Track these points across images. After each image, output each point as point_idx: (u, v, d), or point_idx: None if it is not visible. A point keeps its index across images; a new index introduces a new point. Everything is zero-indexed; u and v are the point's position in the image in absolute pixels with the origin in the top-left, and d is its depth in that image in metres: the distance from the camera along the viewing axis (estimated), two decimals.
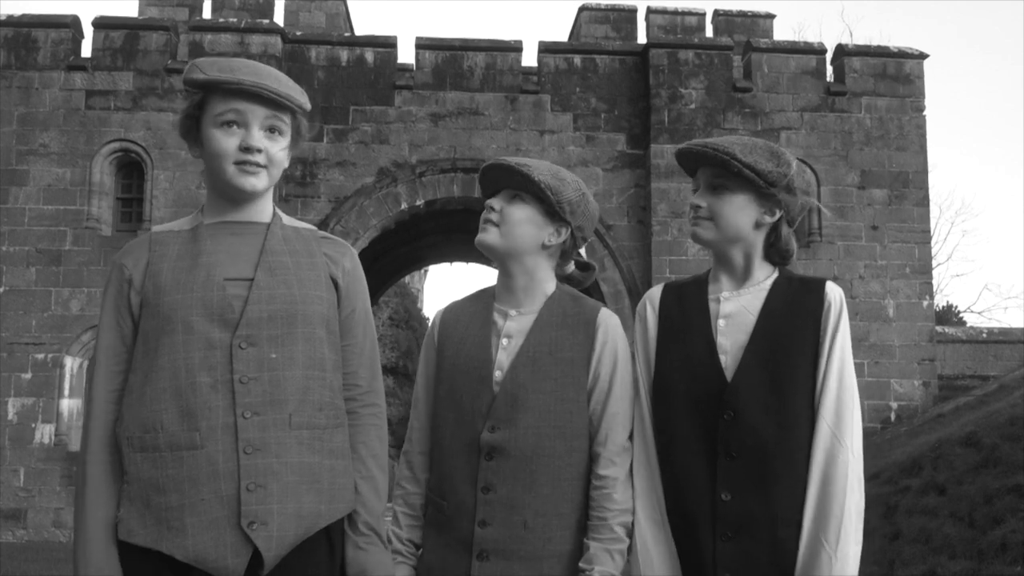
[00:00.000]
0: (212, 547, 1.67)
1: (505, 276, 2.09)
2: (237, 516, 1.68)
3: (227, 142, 1.78)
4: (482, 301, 2.13)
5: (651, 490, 1.95)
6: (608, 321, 2.04)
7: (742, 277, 2.00)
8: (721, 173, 1.94)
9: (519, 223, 2.03)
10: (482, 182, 2.12)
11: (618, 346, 2.03)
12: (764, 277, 2.00)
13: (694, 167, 2.03)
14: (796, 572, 1.81)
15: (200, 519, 1.67)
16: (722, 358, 1.92)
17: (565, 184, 2.03)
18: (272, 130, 1.82)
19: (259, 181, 1.82)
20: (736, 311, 1.96)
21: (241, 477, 1.69)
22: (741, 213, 1.95)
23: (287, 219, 1.95)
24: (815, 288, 1.95)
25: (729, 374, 1.90)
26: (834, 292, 1.94)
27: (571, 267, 2.16)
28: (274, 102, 1.80)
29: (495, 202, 2.05)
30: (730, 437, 1.87)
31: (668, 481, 1.94)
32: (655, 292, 2.09)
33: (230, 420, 1.71)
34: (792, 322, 1.91)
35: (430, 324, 2.17)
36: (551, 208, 2.03)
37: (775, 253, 2.00)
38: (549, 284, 2.09)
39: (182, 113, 1.84)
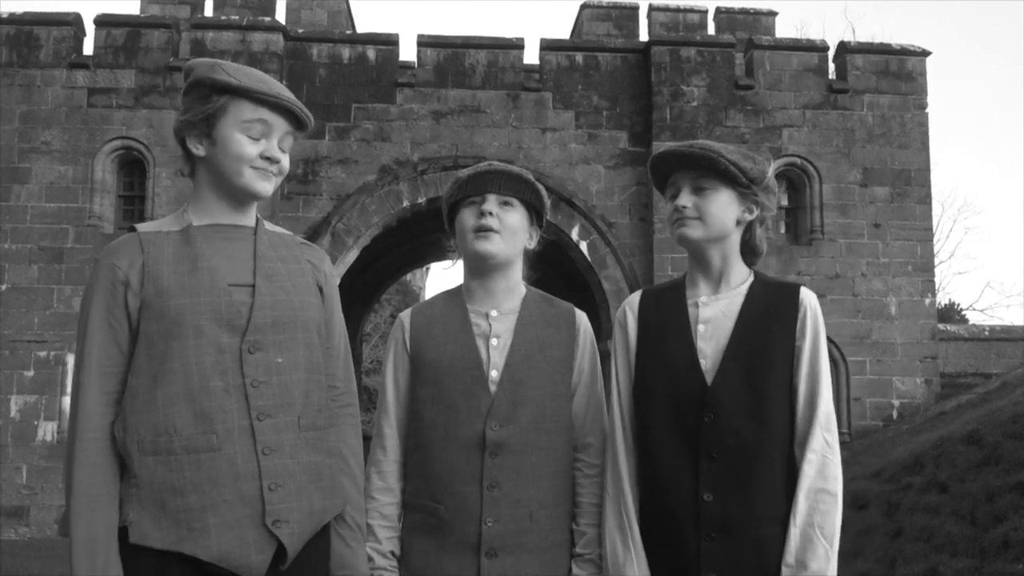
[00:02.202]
0: (236, 546, 1.70)
1: (485, 279, 2.13)
2: (261, 515, 1.73)
3: (251, 148, 1.84)
4: (452, 302, 2.17)
5: (620, 496, 1.99)
6: (584, 320, 2.18)
7: (718, 279, 2.05)
8: (704, 174, 2.00)
9: (517, 230, 2.11)
10: (464, 186, 2.13)
11: (593, 343, 2.17)
12: (740, 281, 2.05)
13: (668, 172, 2.08)
14: (788, 560, 1.84)
15: (223, 519, 1.70)
16: (702, 362, 1.97)
17: (543, 191, 2.18)
18: (284, 146, 1.91)
19: (271, 186, 1.90)
20: (715, 316, 2.01)
21: (262, 477, 1.74)
22: (726, 211, 2.01)
23: (268, 224, 2.00)
24: (790, 294, 2.00)
25: (709, 377, 1.95)
26: (809, 298, 2.00)
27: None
28: (294, 117, 1.89)
29: (491, 207, 2.08)
30: (711, 439, 1.91)
31: (649, 483, 1.99)
32: (634, 299, 2.15)
33: (245, 423, 1.75)
34: (769, 326, 1.97)
35: (395, 329, 2.17)
36: (536, 214, 2.16)
37: (748, 250, 2.08)
38: (522, 284, 2.19)
39: (198, 111, 1.84)
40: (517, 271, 2.16)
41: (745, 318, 1.98)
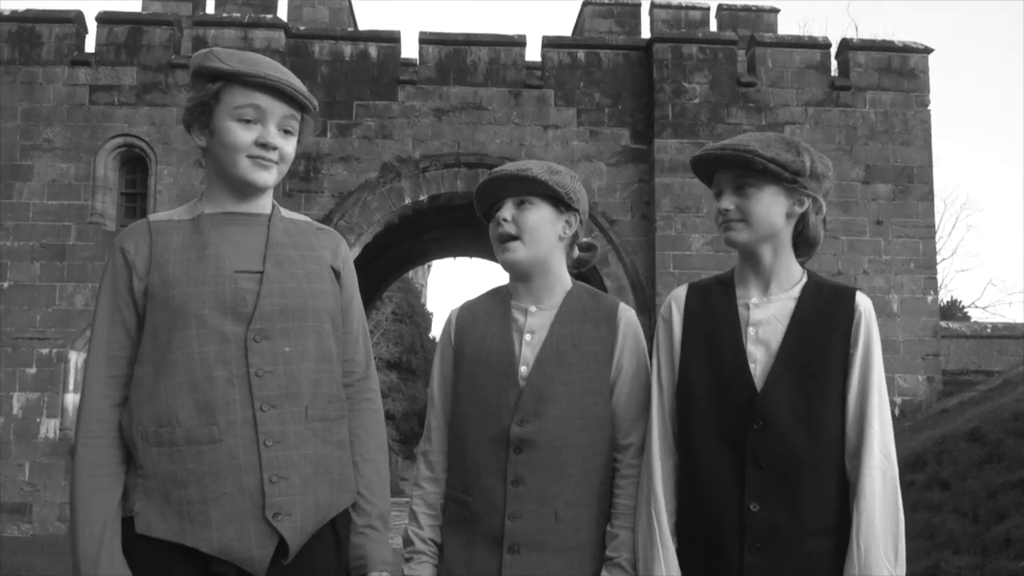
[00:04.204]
0: (237, 539, 1.68)
1: (524, 279, 2.10)
2: (261, 508, 1.70)
3: (244, 136, 1.80)
4: (498, 298, 2.15)
5: (652, 496, 1.93)
6: (627, 315, 2.10)
7: (769, 277, 1.96)
8: (744, 173, 1.91)
9: (537, 227, 2.05)
10: (480, 197, 2.12)
11: (638, 339, 2.09)
12: (793, 282, 1.96)
13: (711, 172, 1.99)
14: None
15: (223, 512, 1.68)
16: (752, 366, 1.89)
17: (563, 175, 2.09)
18: (286, 130, 1.85)
19: (271, 176, 1.85)
20: (766, 319, 1.92)
21: (263, 469, 1.71)
22: (772, 208, 1.91)
23: (285, 211, 1.97)
24: (846, 298, 1.92)
25: (759, 383, 1.87)
26: (864, 303, 1.91)
27: (575, 252, 2.17)
28: (293, 99, 1.83)
29: (506, 213, 2.05)
30: (759, 446, 1.83)
31: (691, 488, 1.92)
32: (680, 293, 2.05)
33: (248, 414, 1.72)
34: (823, 332, 1.88)
35: (445, 323, 2.18)
36: (560, 202, 2.08)
37: (803, 242, 1.98)
38: (566, 278, 2.13)
39: (194, 100, 1.82)
40: (556, 266, 2.10)
41: (798, 322, 1.89)
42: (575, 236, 2.13)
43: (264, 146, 1.81)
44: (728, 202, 1.93)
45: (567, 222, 2.10)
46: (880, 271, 12.19)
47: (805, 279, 1.97)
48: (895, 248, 12.25)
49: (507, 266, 2.07)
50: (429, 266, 32.81)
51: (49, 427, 11.04)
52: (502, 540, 1.94)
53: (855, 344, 1.87)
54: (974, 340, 14.09)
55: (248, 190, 1.86)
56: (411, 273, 26.50)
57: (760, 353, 1.90)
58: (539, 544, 1.94)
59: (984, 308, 28.09)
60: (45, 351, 11.18)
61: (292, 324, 1.80)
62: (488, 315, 2.12)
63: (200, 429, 1.69)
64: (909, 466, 7.62)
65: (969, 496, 6.34)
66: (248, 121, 1.80)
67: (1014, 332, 14.37)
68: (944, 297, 26.22)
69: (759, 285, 1.97)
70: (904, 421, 11.14)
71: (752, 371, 1.88)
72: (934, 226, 12.72)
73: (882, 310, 12.06)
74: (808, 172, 1.91)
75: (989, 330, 14.46)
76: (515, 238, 2.04)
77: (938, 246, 17.99)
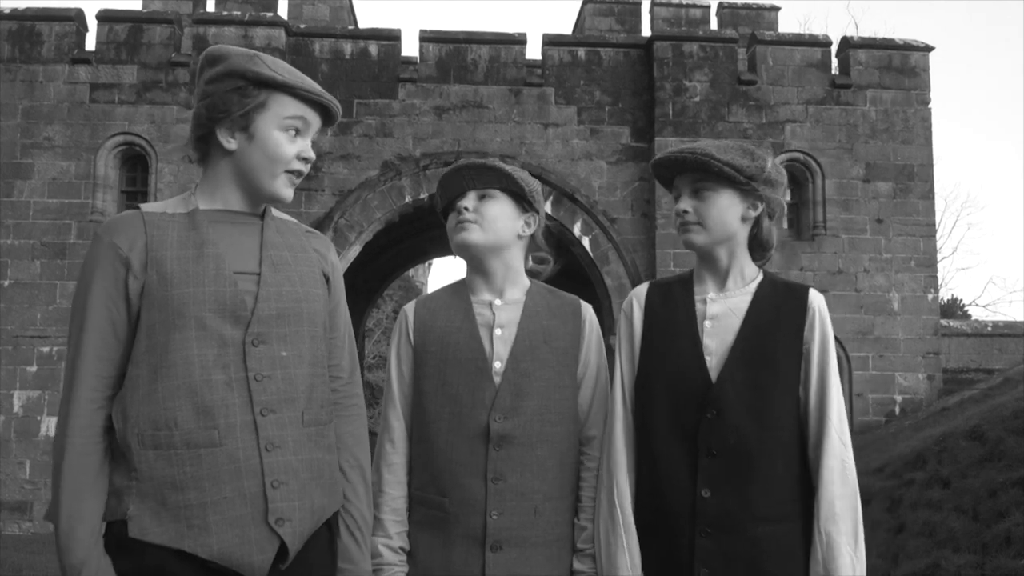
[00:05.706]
0: (237, 544, 1.65)
1: (482, 271, 2.12)
2: (263, 513, 1.68)
3: (290, 148, 1.80)
4: (456, 293, 2.15)
5: (614, 485, 1.99)
6: (590, 312, 2.16)
7: (725, 276, 2.04)
8: (701, 176, 2.00)
9: (497, 218, 2.09)
10: (443, 190, 2.14)
11: (600, 336, 2.16)
12: (749, 280, 2.04)
13: (670, 176, 2.08)
14: (816, 570, 1.85)
15: (223, 517, 1.65)
16: (707, 359, 1.96)
17: (527, 176, 2.15)
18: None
19: (292, 192, 1.86)
20: (722, 313, 2.00)
21: (265, 474, 1.69)
22: (727, 212, 2.00)
23: (275, 211, 1.96)
24: (799, 295, 2.01)
25: (714, 374, 1.94)
26: (816, 299, 2.00)
27: (529, 262, 2.21)
28: (327, 115, 1.86)
29: (468, 203, 2.08)
30: (712, 435, 1.91)
31: (647, 476, 1.98)
32: (641, 290, 2.14)
33: (248, 418, 1.70)
34: (776, 327, 1.97)
35: (399, 321, 2.16)
36: (523, 199, 2.12)
37: (757, 245, 2.07)
38: (524, 275, 2.16)
39: (237, 104, 1.75)
40: (514, 260, 2.13)
41: (752, 317, 1.98)
42: (533, 240, 2.17)
43: (305, 160, 1.83)
44: (686, 204, 2.02)
45: (526, 222, 2.13)
46: (881, 269, 12.19)
47: (761, 277, 2.06)
48: (896, 246, 12.25)
49: (461, 248, 2.09)
50: (430, 264, 32.77)
51: (50, 425, 11.03)
52: (483, 538, 1.94)
53: (810, 340, 1.96)
54: (975, 338, 14.09)
55: (268, 202, 1.87)
56: (412, 271, 26.50)
57: (715, 345, 1.98)
58: (520, 540, 1.95)
59: (985, 306, 28.11)
60: (46, 349, 11.18)
61: (288, 328, 1.79)
62: (448, 310, 2.11)
63: (199, 432, 1.66)
64: (909, 464, 7.62)
65: (969, 494, 6.34)
66: (293, 132, 1.81)
67: (1015, 330, 14.37)
68: (945, 295, 26.21)
69: (716, 282, 2.05)
70: (904, 419, 11.14)
71: (708, 363, 1.96)
72: (935, 224, 12.70)
73: (882, 308, 12.06)
74: (763, 177, 1.99)
75: (990, 328, 14.46)
76: (473, 222, 2.07)
77: (939, 244, 17.99)
